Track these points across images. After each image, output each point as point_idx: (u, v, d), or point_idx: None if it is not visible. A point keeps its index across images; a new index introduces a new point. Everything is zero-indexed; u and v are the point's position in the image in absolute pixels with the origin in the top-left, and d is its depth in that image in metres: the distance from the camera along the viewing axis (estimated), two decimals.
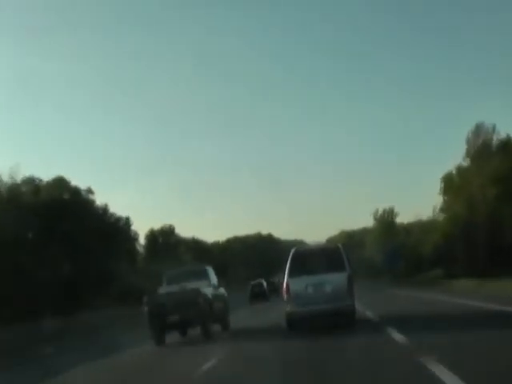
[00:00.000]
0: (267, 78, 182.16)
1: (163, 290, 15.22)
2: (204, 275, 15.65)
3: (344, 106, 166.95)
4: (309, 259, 13.35)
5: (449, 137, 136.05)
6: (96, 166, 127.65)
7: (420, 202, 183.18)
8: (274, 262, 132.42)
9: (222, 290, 16.16)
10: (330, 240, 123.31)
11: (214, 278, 15.92)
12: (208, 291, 14.43)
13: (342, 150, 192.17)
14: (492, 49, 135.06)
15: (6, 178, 32.67)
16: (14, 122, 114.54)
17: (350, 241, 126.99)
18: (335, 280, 12.53)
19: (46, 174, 64.63)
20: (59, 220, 33.34)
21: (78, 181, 51.85)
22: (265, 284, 42.42)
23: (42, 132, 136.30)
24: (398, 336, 9.66)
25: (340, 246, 14.25)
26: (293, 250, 13.58)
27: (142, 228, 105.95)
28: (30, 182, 37.00)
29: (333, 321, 12.44)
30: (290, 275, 12.72)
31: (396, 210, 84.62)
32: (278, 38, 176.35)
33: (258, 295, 38.84)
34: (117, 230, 43.45)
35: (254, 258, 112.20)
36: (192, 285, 14.40)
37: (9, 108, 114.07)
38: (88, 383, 10.25)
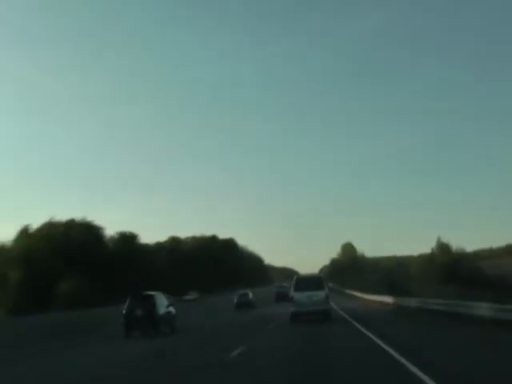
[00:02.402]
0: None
1: (278, 289, 59.90)
2: (289, 284, 47.28)
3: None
4: (304, 282, 24.26)
5: None
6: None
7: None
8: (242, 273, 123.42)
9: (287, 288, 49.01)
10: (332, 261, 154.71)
11: (288, 284, 54.43)
12: (286, 289, 48.29)
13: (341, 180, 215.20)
14: None
15: None
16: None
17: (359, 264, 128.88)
18: (319, 294, 23.11)
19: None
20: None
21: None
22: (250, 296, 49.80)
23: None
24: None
25: (321, 275, 28.66)
26: (295, 277, 25.65)
27: None
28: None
29: (317, 317, 23.55)
30: (294, 290, 23.71)
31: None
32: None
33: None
34: None
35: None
36: (285, 288, 54.51)
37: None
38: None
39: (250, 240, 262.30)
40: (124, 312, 22.26)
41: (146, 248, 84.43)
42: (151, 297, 23.04)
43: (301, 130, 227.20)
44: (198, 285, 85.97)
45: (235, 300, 45.49)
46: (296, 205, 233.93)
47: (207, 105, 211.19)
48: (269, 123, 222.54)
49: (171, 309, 24.60)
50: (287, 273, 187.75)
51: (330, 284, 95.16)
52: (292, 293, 24.07)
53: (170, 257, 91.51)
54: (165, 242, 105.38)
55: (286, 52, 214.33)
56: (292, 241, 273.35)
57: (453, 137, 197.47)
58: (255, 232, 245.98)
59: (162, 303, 23.62)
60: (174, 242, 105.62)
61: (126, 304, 22.56)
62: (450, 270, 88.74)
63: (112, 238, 73.91)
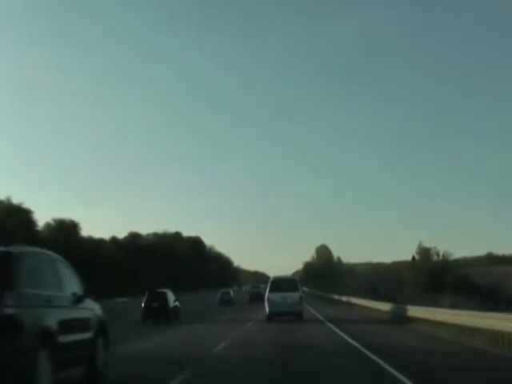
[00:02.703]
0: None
1: (252, 289, 57.80)
2: (264, 284, 50.85)
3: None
4: (280, 284, 25.64)
5: None
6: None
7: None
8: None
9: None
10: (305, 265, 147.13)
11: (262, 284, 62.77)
12: (262, 289, 47.43)
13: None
14: None
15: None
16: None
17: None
18: (293, 296, 24.44)
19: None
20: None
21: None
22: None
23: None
24: None
25: (297, 278, 29.36)
26: (271, 279, 27.34)
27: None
28: None
29: (291, 317, 25.09)
30: (269, 292, 25.05)
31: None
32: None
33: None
34: None
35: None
36: (260, 288, 53.44)
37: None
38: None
39: (220, 242, 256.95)
40: (143, 304, 28.23)
41: (93, 241, 74.21)
42: (164, 293, 29.04)
43: (276, 133, 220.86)
44: (161, 283, 77.79)
45: (218, 296, 53.05)
46: (269, 209, 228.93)
47: (182, 105, 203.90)
48: (244, 125, 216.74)
49: (177, 303, 30.07)
50: (259, 277, 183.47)
51: (306, 289, 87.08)
52: (267, 294, 25.45)
53: (126, 252, 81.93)
54: (124, 237, 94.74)
55: (271, 54, 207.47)
56: (265, 245, 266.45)
57: (433, 145, 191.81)
58: (227, 235, 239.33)
59: (172, 298, 29.34)
60: (132, 237, 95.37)
61: (145, 298, 28.64)
62: (436, 276, 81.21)
63: (47, 226, 63.58)
